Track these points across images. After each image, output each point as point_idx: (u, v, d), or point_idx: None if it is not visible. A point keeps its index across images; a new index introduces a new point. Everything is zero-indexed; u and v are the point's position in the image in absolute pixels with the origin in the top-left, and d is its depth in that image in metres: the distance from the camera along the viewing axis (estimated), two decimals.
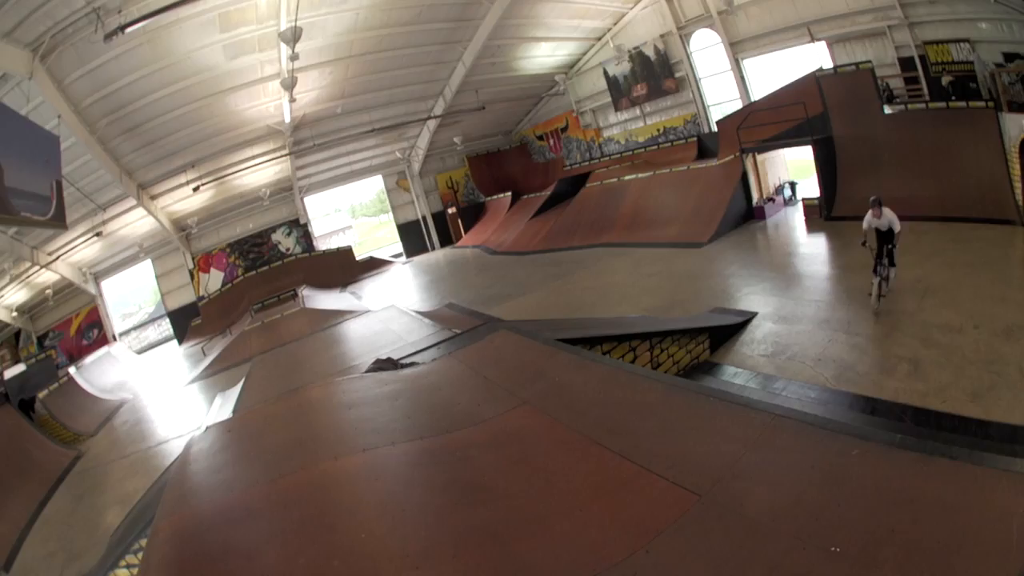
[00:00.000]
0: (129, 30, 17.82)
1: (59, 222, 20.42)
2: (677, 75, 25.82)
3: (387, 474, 5.32)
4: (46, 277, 33.17)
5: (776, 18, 22.18)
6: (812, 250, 14.94)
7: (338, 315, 19.40)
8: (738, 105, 22.94)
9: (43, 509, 13.81)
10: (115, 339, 35.74)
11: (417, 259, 34.30)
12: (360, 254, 35.43)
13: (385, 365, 8.65)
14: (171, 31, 20.52)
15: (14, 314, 34.75)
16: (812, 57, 21.37)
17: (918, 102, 17.73)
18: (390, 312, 16.24)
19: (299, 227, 35.53)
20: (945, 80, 17.91)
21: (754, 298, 11.44)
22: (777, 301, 11.09)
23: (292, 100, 24.87)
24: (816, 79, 18.77)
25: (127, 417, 20.07)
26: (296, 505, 4.90)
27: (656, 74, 26.43)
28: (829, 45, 21.12)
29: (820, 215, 17.02)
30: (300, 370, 13.15)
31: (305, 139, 29.90)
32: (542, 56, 29.01)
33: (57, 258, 31.53)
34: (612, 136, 30.39)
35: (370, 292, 25.70)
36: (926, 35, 18.71)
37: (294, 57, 20.69)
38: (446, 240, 35.99)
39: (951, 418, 6.53)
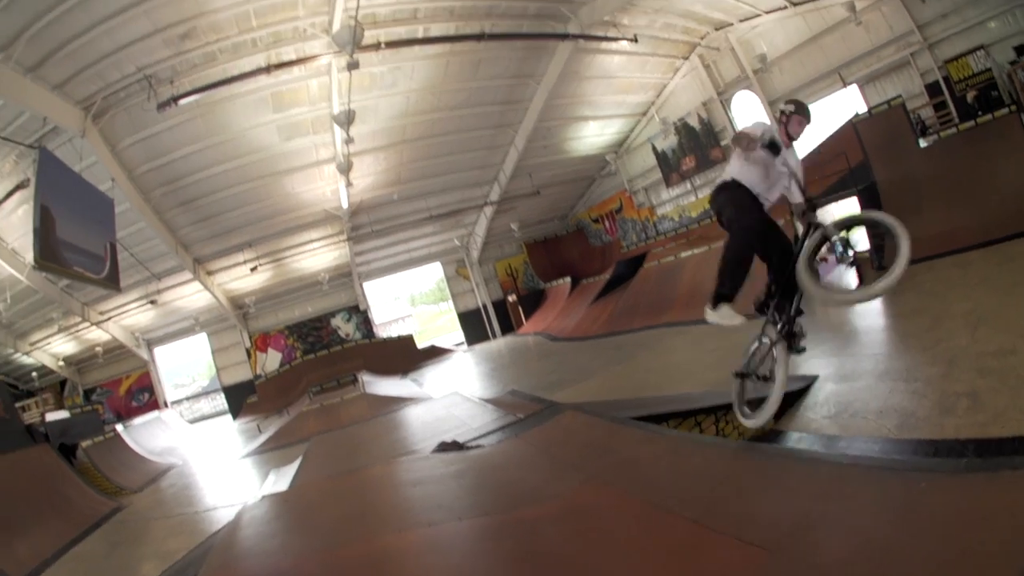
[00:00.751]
0: (182, 102, 18.47)
1: (112, 283, 20.78)
2: (722, 142, 25.70)
3: (454, 548, 5.12)
4: (97, 335, 33.68)
5: (808, 68, 22.33)
6: (867, 304, 14.64)
7: (399, 401, 19.20)
8: None
9: (73, 547, 13.78)
10: (166, 406, 35.98)
11: (478, 347, 34.00)
12: (421, 342, 35.20)
13: (450, 447, 8.51)
14: (225, 107, 20.96)
15: (60, 363, 35.59)
16: (846, 103, 21.32)
17: (949, 127, 17.33)
18: (453, 398, 16.03)
19: (359, 313, 35.63)
20: (970, 96, 17.82)
21: (814, 361, 11.01)
22: (837, 361, 10.74)
23: (349, 185, 25.23)
24: (853, 126, 18.48)
25: (175, 481, 19.98)
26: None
27: (702, 144, 26.45)
28: (860, 87, 21.18)
29: (872, 266, 16.66)
30: (361, 451, 13.00)
31: (363, 225, 30.20)
32: (591, 136, 29.21)
33: (109, 319, 32.17)
34: (666, 214, 30.28)
35: (432, 379, 25.40)
36: (945, 53, 18.78)
37: (348, 141, 21.13)
38: (507, 328, 35.68)
39: (1012, 441, 6.30)
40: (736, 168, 6.19)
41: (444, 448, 8.59)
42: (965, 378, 8.02)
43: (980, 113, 16.57)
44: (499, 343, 33.46)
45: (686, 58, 25.13)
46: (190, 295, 32.01)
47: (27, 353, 34.33)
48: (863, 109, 19.81)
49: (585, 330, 24.65)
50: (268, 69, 19.21)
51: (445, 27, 20.21)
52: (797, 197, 6.25)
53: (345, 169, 23.48)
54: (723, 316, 6.26)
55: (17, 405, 25.31)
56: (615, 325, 22.65)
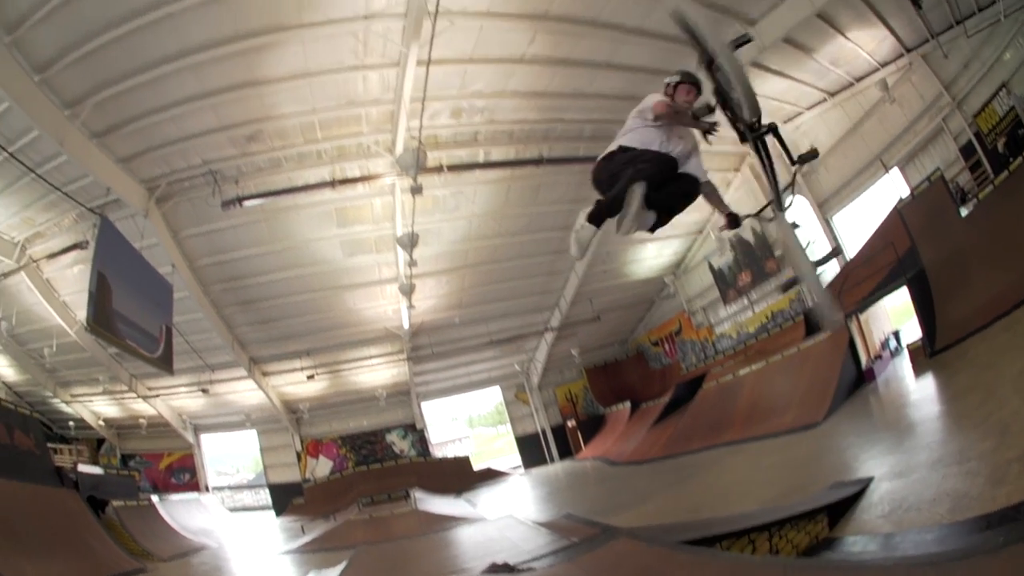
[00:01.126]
0: (246, 204, 18.92)
1: (165, 365, 20.88)
2: (777, 253, 25.41)
3: None
4: (143, 407, 33.83)
5: (851, 160, 22.02)
6: (920, 394, 14.03)
7: (452, 519, 18.88)
8: (835, 267, 22.33)
9: None
10: (207, 490, 35.90)
11: (535, 471, 33.44)
12: (477, 464, 34.81)
13: (501, 569, 8.41)
14: (289, 215, 21.47)
15: (101, 422, 35.79)
16: (890, 190, 20.94)
17: (986, 186, 16.94)
18: (506, 521, 15.79)
19: (415, 432, 35.47)
20: (1000, 144, 17.24)
21: (870, 463, 10.70)
22: (892, 459, 10.31)
23: (411, 307, 25.25)
24: (898, 213, 18.37)
25: (207, 560, 19.75)
26: None
27: (757, 258, 26.22)
28: (901, 169, 20.66)
29: (925, 355, 15.96)
30: (408, 566, 12.83)
31: (423, 346, 30.30)
32: (650, 258, 29.33)
33: (157, 396, 32.44)
34: (724, 332, 29.84)
35: (486, 501, 24.87)
36: (973, 106, 18.31)
37: (412, 264, 21.42)
38: (565, 453, 34.98)
39: None
40: (635, 136, 6.17)
41: (495, 570, 8.50)
42: (1017, 443, 7.78)
43: (1011, 159, 16.27)
44: (556, 467, 32.96)
45: (737, 170, 25.21)
46: (243, 391, 32.20)
47: (67, 403, 34.48)
48: (906, 192, 19.62)
49: (644, 454, 24.13)
50: (333, 184, 19.72)
51: (505, 151, 20.64)
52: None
53: (407, 292, 23.79)
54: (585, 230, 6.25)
55: (49, 446, 25.02)
56: (674, 448, 22.15)
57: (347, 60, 16.16)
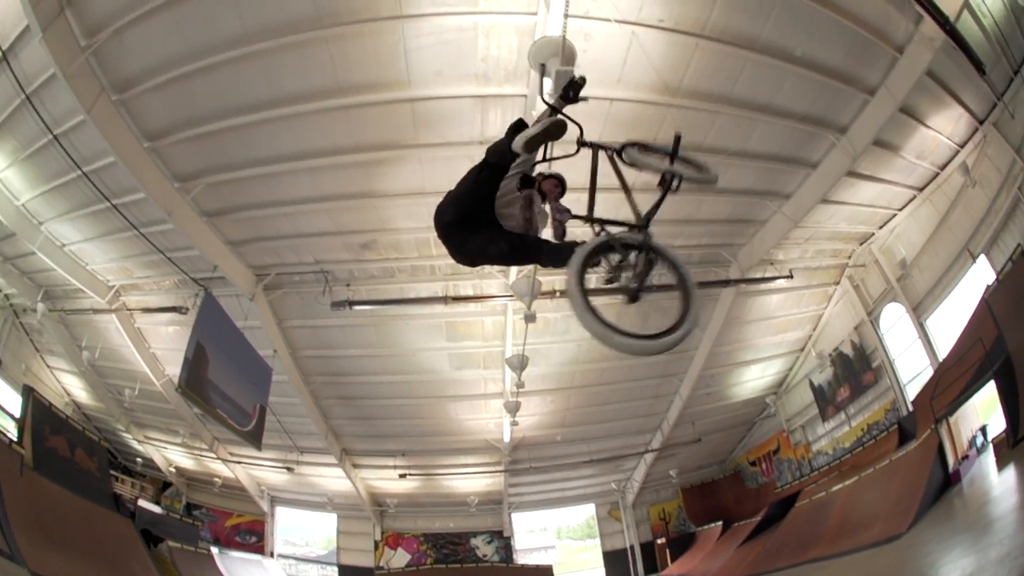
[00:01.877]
0: (356, 308, 19.54)
1: (254, 441, 21.44)
2: (874, 364, 24.59)
3: None
4: (220, 468, 34.12)
5: (942, 255, 21.07)
6: (1001, 488, 13.77)
7: None
8: (929, 372, 21.34)
9: None
10: (272, 556, 35.88)
11: None
12: (560, 574, 34.25)
13: None
14: (398, 323, 22.07)
15: (172, 469, 36.15)
16: (978, 281, 19.65)
17: None
18: None
19: (501, 539, 35.29)
20: None
21: (948, 567, 10.68)
22: (972, 560, 10.11)
23: (514, 423, 25.56)
24: (985, 303, 17.41)
25: None
26: None
27: (856, 371, 25.45)
28: (987, 255, 19.41)
29: (1008, 445, 15.26)
30: None
31: (522, 460, 30.52)
32: (752, 380, 28.93)
33: (239, 462, 32.89)
34: (821, 449, 28.88)
35: None
36: None
37: (519, 384, 21.86)
38: (651, 569, 34.33)
39: None
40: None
41: None
42: None
43: None
44: None
45: (837, 283, 24.88)
46: (329, 477, 32.62)
47: (139, 441, 35.02)
48: (991, 278, 18.53)
49: (729, 572, 23.87)
50: (445, 300, 20.27)
51: None
52: None
53: (513, 410, 24.17)
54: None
55: (111, 473, 25.89)
56: (759, 566, 21.70)
57: None
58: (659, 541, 34.71)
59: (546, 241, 6.35)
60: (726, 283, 21.40)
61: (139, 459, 37.15)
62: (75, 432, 21.72)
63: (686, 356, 25.09)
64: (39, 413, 19.82)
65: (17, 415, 20.89)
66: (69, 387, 34.34)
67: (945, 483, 17.18)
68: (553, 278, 19.29)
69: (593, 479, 34.57)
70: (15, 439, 18.24)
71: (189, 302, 21.41)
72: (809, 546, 19.67)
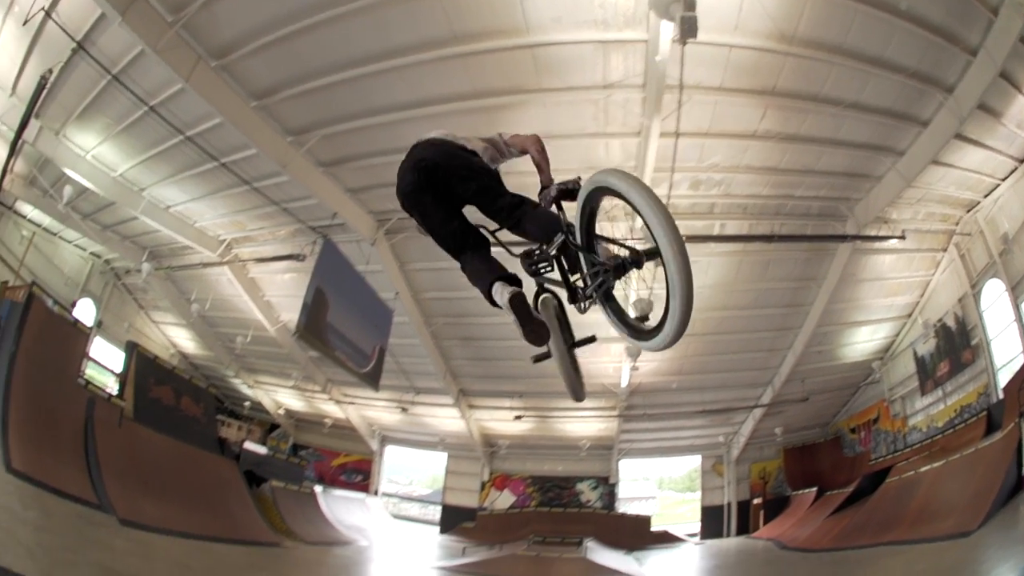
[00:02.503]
0: None
1: (372, 382, 22.24)
2: (973, 342, 23.68)
3: None
4: (332, 408, 35.71)
5: None
6: None
7: (616, 575, 19.20)
8: (1022, 359, 20.44)
9: (214, 543, 15.30)
10: (376, 494, 37.13)
11: (710, 542, 33.15)
12: (656, 525, 34.67)
13: None
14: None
15: (280, 411, 38.30)
16: None
17: None
18: None
19: (606, 485, 35.75)
20: None
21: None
22: None
23: (634, 368, 25.80)
24: None
25: (350, 553, 20.89)
26: None
27: (956, 347, 24.53)
28: None
29: None
30: None
31: (637, 406, 30.75)
32: (861, 342, 28.48)
33: (351, 403, 34.19)
34: (916, 425, 28.01)
35: (654, 563, 25.06)
36: None
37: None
38: (743, 529, 34.16)
39: None
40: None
41: None
42: None
43: None
44: (731, 542, 32.53)
45: (945, 249, 24.12)
46: (443, 417, 33.66)
47: (249, 386, 36.87)
48: None
49: (815, 542, 23.39)
50: None
51: (739, 225, 20.95)
52: None
53: (634, 354, 24.34)
54: None
55: (217, 418, 27.32)
56: (841, 540, 21.51)
57: (588, 126, 16.99)
58: (755, 501, 34.57)
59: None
60: (843, 238, 21.16)
61: (247, 403, 38.98)
62: (181, 381, 22.86)
63: (802, 311, 24.94)
64: (143, 366, 21.03)
65: (119, 372, 22.15)
66: (176, 339, 36.50)
67: (1017, 485, 16.47)
68: (679, 223, 19.32)
69: (702, 430, 34.65)
70: (116, 393, 19.37)
71: (306, 249, 22.23)
72: (890, 527, 19.54)
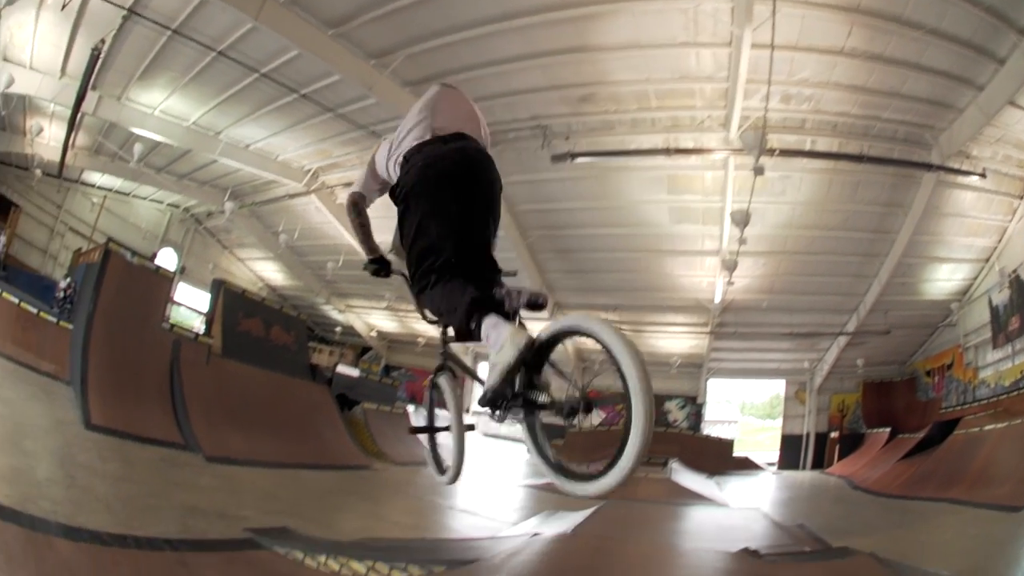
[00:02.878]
0: (578, 160, 20.01)
1: None
2: None
3: None
4: (424, 328, 34.80)
5: None
6: None
7: (699, 497, 19.62)
8: None
9: (301, 469, 15.76)
10: (468, 412, 36.71)
11: (785, 473, 33.35)
12: (736, 451, 34.96)
13: (752, 554, 8.78)
14: (619, 176, 22.46)
15: (373, 333, 39.80)
16: None
17: None
18: (752, 513, 16.05)
19: (693, 405, 36.30)
20: None
21: None
22: None
23: (730, 283, 25.65)
24: None
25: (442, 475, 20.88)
26: None
27: None
28: None
29: None
30: (652, 531, 13.38)
31: (728, 324, 30.93)
32: (942, 280, 28.08)
33: None
34: (985, 379, 27.70)
35: (733, 488, 25.19)
36: None
37: (742, 241, 21.86)
38: (818, 463, 34.44)
39: None
40: None
41: (747, 553, 8.79)
42: None
43: None
44: (805, 476, 32.63)
45: (1021, 197, 23.63)
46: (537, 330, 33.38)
47: (339, 311, 38.25)
48: None
49: (883, 486, 23.57)
50: (667, 151, 20.44)
51: (829, 142, 20.70)
52: None
53: (731, 267, 24.13)
54: None
55: (309, 345, 27.97)
56: (907, 488, 21.53)
57: (678, 36, 16.97)
58: (832, 435, 34.72)
59: None
60: (928, 167, 20.83)
61: (338, 328, 40.28)
62: (270, 311, 23.21)
63: (888, 238, 24.62)
64: (230, 301, 21.41)
65: (206, 311, 23.00)
66: (263, 273, 38.40)
67: None
68: (770, 136, 19.35)
69: (788, 354, 34.66)
70: (203, 332, 19.93)
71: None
72: (952, 483, 19.46)
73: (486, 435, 37.86)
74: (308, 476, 15.86)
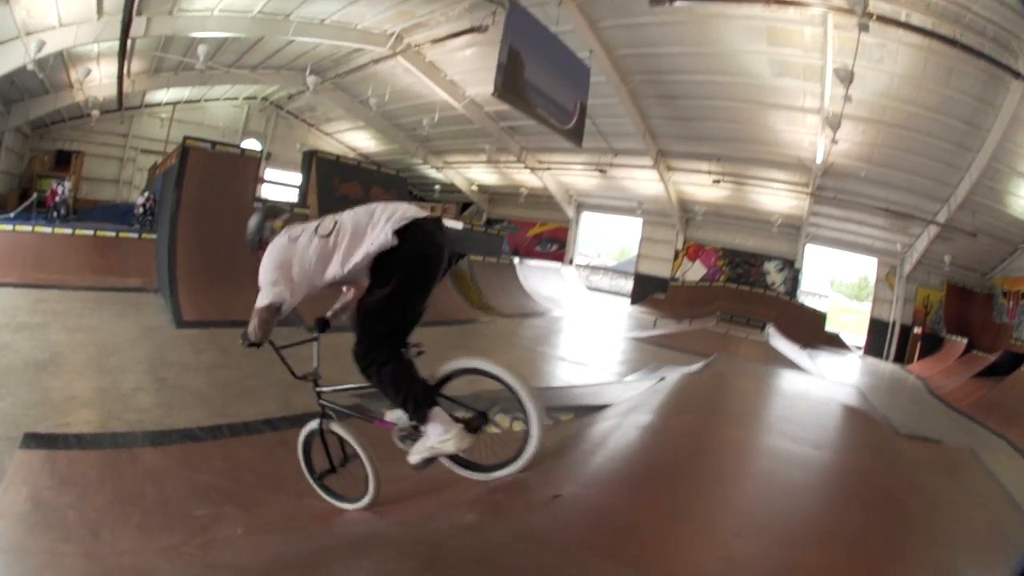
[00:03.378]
0: (677, 4, 19.83)
1: (575, 138, 22.94)
2: None
3: None
4: (527, 178, 37.17)
5: None
6: None
7: (794, 366, 19.46)
8: None
9: None
10: (570, 263, 38.25)
11: (870, 360, 33.10)
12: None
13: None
14: (719, 23, 21.99)
15: (474, 187, 40.45)
16: None
17: None
18: (851, 390, 15.99)
19: (791, 269, 36.07)
20: None
21: None
22: None
23: (834, 142, 25.13)
24: None
25: (546, 324, 21.65)
26: None
27: None
28: None
29: None
30: (765, 388, 13.36)
31: (827, 188, 30.27)
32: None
33: (547, 169, 35.29)
34: None
35: (823, 364, 24.92)
36: None
37: (847, 98, 21.29)
38: (899, 357, 33.94)
39: None
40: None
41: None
42: None
43: None
44: (887, 367, 31.91)
45: None
46: (641, 180, 34.28)
47: (437, 168, 38.80)
48: None
49: (956, 400, 22.76)
50: (767, 1, 20.06)
51: (923, 19, 20.00)
52: None
53: (834, 125, 23.52)
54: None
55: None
56: (975, 411, 20.71)
57: None
58: (916, 330, 34.10)
59: None
60: (1016, 74, 19.84)
61: (437, 186, 40.68)
62: (368, 173, 24.02)
63: (980, 134, 23.73)
64: (325, 169, 22.14)
65: (299, 184, 23.44)
66: (354, 143, 39.17)
67: None
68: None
69: (882, 232, 33.84)
70: (296, 203, 20.45)
71: (487, 20, 22.55)
72: (1012, 422, 18.61)
73: (588, 288, 38.32)
74: (415, 333, 16.26)
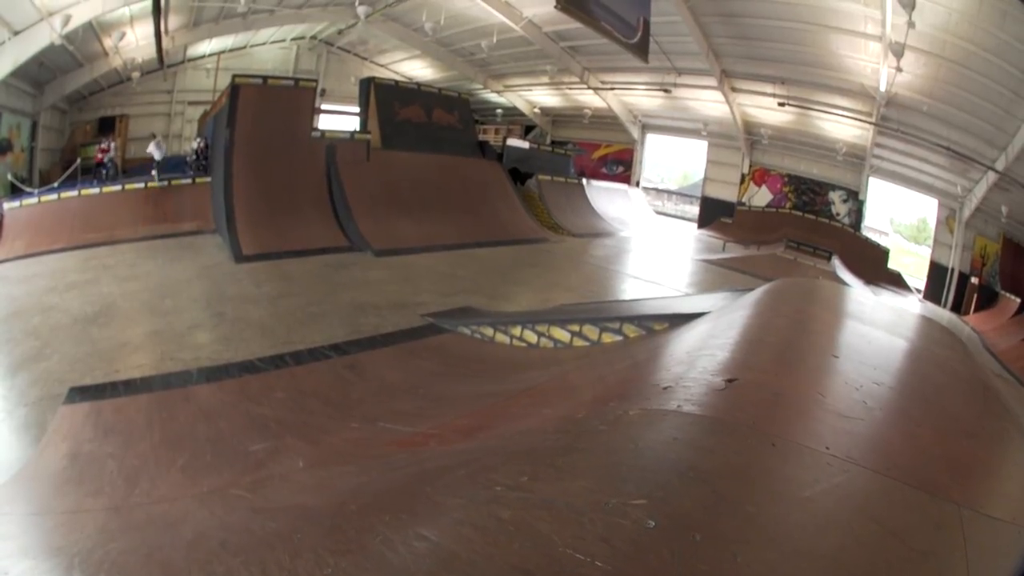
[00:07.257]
0: None
1: (640, 53, 22.52)
2: None
3: None
4: (590, 99, 36.68)
5: None
6: None
7: (858, 299, 19.39)
8: None
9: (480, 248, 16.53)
10: (637, 185, 38.22)
11: (929, 304, 32.23)
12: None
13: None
14: None
15: (536, 110, 40.12)
16: None
17: None
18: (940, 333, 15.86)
19: (856, 200, 35.51)
20: None
21: None
22: None
23: (899, 70, 24.78)
24: None
25: (615, 243, 21.88)
26: None
27: None
28: None
29: None
30: (832, 309, 13.25)
31: (890, 119, 29.75)
32: None
33: (611, 89, 34.68)
34: None
35: (896, 302, 24.88)
36: None
37: (911, 24, 20.96)
38: (956, 307, 33.27)
39: None
40: None
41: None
42: None
43: None
44: (944, 313, 30.34)
45: None
46: (706, 100, 33.60)
47: (498, 92, 38.32)
48: None
49: (1009, 360, 21.92)
50: None
51: None
52: None
53: (898, 52, 23.20)
54: None
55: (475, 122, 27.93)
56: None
57: None
58: (972, 280, 33.61)
59: None
60: None
61: (498, 111, 40.41)
62: (429, 95, 23.49)
63: None
64: (384, 94, 21.76)
65: (357, 111, 22.76)
66: (410, 72, 38.50)
67: None
68: None
69: (943, 172, 32.96)
70: (358, 130, 20.15)
71: None
72: None
73: (656, 212, 38.42)
74: (484, 254, 16.49)
